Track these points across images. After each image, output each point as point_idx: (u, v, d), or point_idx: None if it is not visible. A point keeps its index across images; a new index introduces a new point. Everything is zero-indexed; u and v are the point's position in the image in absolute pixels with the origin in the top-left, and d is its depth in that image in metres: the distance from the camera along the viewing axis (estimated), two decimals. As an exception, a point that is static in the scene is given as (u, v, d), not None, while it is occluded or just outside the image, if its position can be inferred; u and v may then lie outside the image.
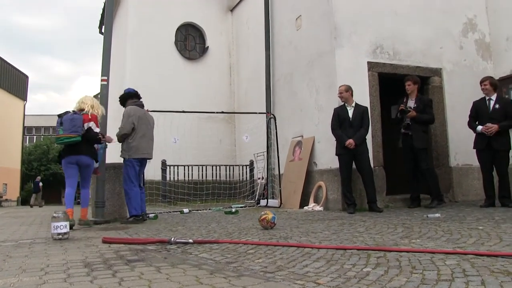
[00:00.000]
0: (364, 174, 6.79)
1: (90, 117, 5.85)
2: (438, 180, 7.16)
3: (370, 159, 7.03)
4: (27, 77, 30.33)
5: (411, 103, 7.06)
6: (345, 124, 6.87)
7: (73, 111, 5.90)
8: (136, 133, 6.35)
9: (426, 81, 8.16)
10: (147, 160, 6.59)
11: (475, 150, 6.87)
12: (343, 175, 6.90)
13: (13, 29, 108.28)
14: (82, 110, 5.92)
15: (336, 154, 7.00)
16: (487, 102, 6.74)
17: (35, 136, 40.01)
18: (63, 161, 5.83)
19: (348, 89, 6.95)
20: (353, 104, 6.96)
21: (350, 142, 6.67)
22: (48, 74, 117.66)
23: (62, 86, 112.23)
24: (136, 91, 6.80)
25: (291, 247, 3.48)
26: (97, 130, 5.91)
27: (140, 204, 6.35)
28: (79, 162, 5.83)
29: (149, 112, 7.11)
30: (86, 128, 5.79)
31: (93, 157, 5.95)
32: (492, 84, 6.75)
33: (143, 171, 6.63)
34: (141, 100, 6.78)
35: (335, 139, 7.02)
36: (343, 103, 7.00)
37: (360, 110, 6.94)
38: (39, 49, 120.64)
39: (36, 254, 3.60)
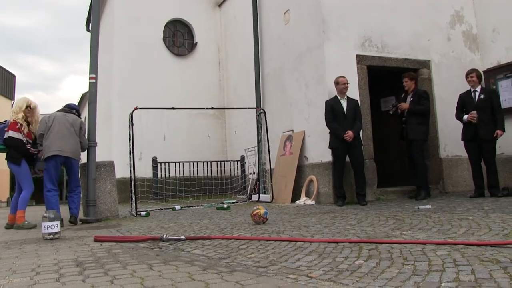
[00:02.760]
0: (357, 168, 6.83)
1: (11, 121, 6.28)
2: (427, 173, 7.21)
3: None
4: (14, 76, 29.97)
5: (409, 98, 7.16)
6: (340, 117, 6.88)
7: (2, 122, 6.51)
8: (49, 132, 6.19)
9: (415, 73, 8.19)
10: (74, 160, 6.29)
11: (463, 141, 6.95)
12: (336, 168, 6.92)
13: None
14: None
15: (330, 147, 7.02)
16: (473, 94, 6.84)
17: (23, 136, 39.84)
18: None
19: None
20: (345, 97, 6.98)
21: (349, 134, 6.68)
22: (35, 74, 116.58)
23: (49, 86, 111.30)
24: (68, 105, 6.80)
25: (283, 242, 3.49)
26: (16, 136, 6.16)
27: (71, 207, 6.31)
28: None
29: (138, 109, 7.10)
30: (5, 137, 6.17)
31: (10, 161, 6.23)
32: (478, 76, 6.87)
33: (73, 172, 6.39)
34: (72, 110, 6.65)
35: (328, 132, 7.03)
36: (334, 95, 7.01)
37: (353, 103, 6.97)
38: (24, 48, 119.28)
39: (26, 255, 3.58)
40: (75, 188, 6.46)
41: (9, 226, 6.23)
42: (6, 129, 6.21)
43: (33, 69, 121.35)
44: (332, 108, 6.96)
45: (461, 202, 5.98)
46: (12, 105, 29.38)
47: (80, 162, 6.60)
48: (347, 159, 6.91)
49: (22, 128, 6.20)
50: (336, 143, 6.88)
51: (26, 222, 6.07)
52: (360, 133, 7.07)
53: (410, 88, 7.22)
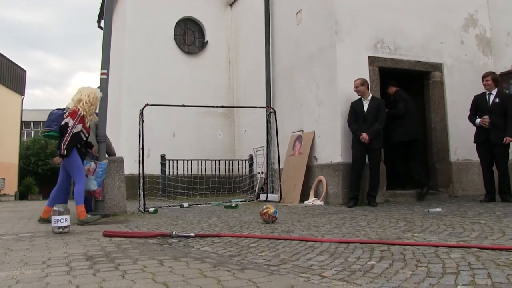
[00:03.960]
0: (373, 170, 6.83)
1: (70, 111, 5.58)
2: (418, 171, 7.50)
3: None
4: (25, 71, 30.15)
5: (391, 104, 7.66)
6: (360, 118, 6.88)
7: (61, 108, 5.78)
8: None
9: (427, 76, 8.16)
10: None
11: (475, 145, 6.89)
12: (353, 169, 6.92)
13: (7, 23, 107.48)
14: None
15: (351, 148, 7.04)
16: (487, 96, 6.76)
17: (33, 131, 39.90)
18: None
19: (364, 83, 6.95)
20: (369, 98, 6.95)
21: (363, 136, 6.67)
22: (44, 69, 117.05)
23: (59, 82, 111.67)
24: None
25: (293, 241, 3.47)
26: (75, 128, 5.51)
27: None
28: None
29: (148, 106, 7.14)
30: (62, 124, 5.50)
31: (59, 152, 5.45)
32: (494, 79, 6.76)
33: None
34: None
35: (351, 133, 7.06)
36: (359, 97, 7.00)
37: (376, 103, 6.93)
38: (34, 44, 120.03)
39: (37, 248, 3.58)
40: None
41: (43, 220, 5.74)
42: (66, 116, 5.57)
43: (42, 65, 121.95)
44: (354, 110, 6.96)
45: (472, 206, 5.92)
46: (22, 100, 29.60)
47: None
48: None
49: (86, 122, 5.74)
50: (355, 144, 6.88)
51: (89, 216, 5.61)
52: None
53: (392, 93, 7.74)
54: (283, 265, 2.61)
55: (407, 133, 7.41)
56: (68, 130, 5.46)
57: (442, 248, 2.89)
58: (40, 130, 6.35)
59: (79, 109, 5.59)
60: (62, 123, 5.51)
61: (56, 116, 5.60)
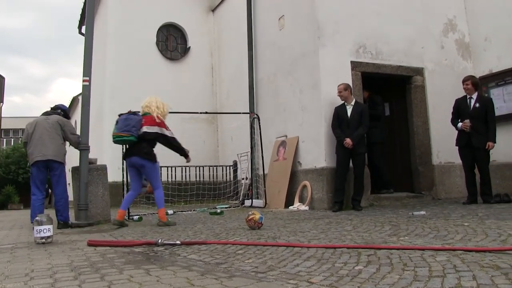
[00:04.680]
0: (357, 174, 6.88)
1: (157, 120, 5.91)
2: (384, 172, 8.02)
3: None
4: (3, 78, 29.68)
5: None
6: (344, 123, 6.93)
7: (133, 112, 5.99)
8: (32, 139, 6.25)
9: (409, 80, 8.26)
10: (56, 163, 6.26)
11: (457, 148, 6.99)
12: (337, 174, 6.95)
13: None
14: (147, 113, 5.96)
15: (336, 153, 7.07)
16: (468, 100, 6.86)
17: (12, 139, 39.20)
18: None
19: (347, 88, 7.00)
20: (352, 103, 7.00)
21: (347, 142, 6.72)
22: (23, 76, 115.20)
23: (38, 88, 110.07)
24: (54, 106, 6.75)
25: (280, 247, 3.46)
26: (170, 135, 5.99)
27: (61, 211, 6.23)
28: (132, 163, 5.94)
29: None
30: (144, 132, 5.82)
31: (146, 157, 5.84)
32: (474, 83, 6.87)
33: (54, 174, 6.31)
34: (56, 110, 6.63)
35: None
36: (342, 101, 7.05)
37: (359, 108, 6.98)
38: (12, 50, 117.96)
39: (19, 259, 3.51)
40: (59, 193, 6.35)
41: (118, 223, 5.86)
42: (154, 124, 5.92)
43: (21, 71, 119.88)
44: (337, 114, 7.01)
45: (455, 209, 6.00)
46: (1, 107, 29.09)
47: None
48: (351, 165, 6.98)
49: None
50: (339, 149, 6.92)
51: (169, 220, 6.00)
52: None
53: (365, 97, 8.04)
54: (271, 272, 2.61)
55: (383, 135, 8.07)
56: (170, 135, 5.98)
57: (428, 251, 2.91)
58: (116, 134, 6.11)
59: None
60: (153, 130, 5.86)
61: (136, 121, 5.85)
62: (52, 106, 6.80)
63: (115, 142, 5.96)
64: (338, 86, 7.04)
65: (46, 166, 6.28)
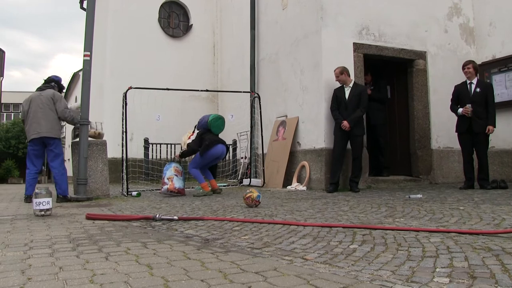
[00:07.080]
0: (356, 156, 6.89)
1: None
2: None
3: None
4: (3, 52, 29.48)
5: (370, 87, 8.10)
6: (342, 105, 6.94)
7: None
8: (27, 117, 6.39)
9: (411, 63, 8.21)
10: (51, 139, 6.37)
11: (457, 133, 6.99)
12: (334, 154, 6.97)
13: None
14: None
15: (333, 134, 7.10)
16: (469, 86, 6.83)
17: (12, 113, 39.15)
18: None
19: (343, 71, 6.97)
20: (351, 85, 6.98)
21: (344, 124, 6.73)
22: (23, 50, 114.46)
23: (38, 63, 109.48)
24: (47, 78, 6.76)
25: (277, 225, 3.50)
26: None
27: (59, 184, 6.34)
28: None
29: (132, 89, 7.13)
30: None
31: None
32: (475, 68, 6.84)
33: (50, 149, 6.41)
34: (50, 84, 6.64)
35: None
36: (341, 85, 7.05)
37: (358, 90, 6.96)
38: (11, 23, 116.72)
39: (18, 230, 3.55)
40: (56, 166, 6.42)
41: (211, 192, 7.17)
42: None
43: (20, 46, 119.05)
44: (336, 97, 7.01)
45: (451, 193, 6.04)
46: (1, 82, 28.96)
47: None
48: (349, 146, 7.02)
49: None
50: (337, 131, 6.94)
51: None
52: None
53: (368, 81, 8.11)
54: (266, 248, 2.64)
55: (385, 117, 8.27)
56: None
57: (422, 233, 2.95)
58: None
59: None
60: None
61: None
62: (46, 78, 6.80)
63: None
64: (334, 70, 7.02)
65: (42, 143, 6.41)
